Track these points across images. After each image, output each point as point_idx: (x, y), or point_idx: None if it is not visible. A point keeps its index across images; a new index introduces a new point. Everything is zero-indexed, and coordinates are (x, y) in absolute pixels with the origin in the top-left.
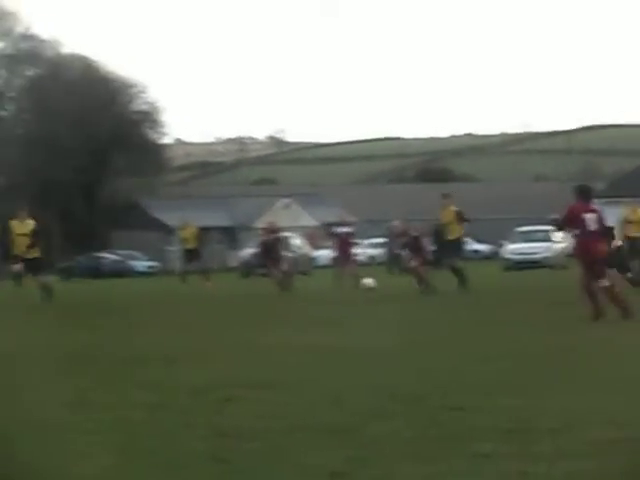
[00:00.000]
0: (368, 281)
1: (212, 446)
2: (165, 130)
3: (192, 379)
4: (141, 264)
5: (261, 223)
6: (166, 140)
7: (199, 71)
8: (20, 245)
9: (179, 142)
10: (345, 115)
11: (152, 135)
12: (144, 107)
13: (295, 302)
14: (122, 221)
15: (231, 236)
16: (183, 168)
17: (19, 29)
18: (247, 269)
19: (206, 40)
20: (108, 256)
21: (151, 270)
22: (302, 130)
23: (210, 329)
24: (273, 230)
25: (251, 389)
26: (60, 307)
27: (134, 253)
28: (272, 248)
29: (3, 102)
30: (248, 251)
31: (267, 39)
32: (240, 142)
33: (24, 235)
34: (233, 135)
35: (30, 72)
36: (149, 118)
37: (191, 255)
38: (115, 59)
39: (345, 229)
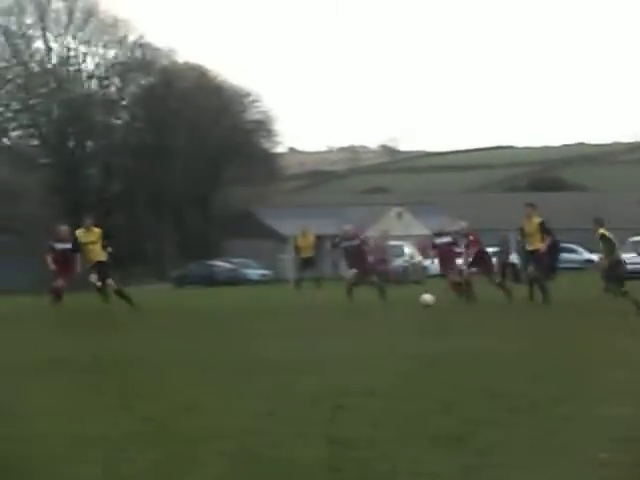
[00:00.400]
0: (427, 297)
1: (325, 454)
2: (278, 139)
3: (304, 387)
4: (254, 272)
5: (372, 231)
6: (279, 149)
7: (313, 80)
8: (88, 254)
9: (292, 151)
10: (457, 124)
11: (265, 144)
12: (258, 116)
13: (406, 310)
14: (235, 229)
15: None
16: (296, 177)
17: (132, 37)
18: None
19: (320, 49)
20: (221, 264)
21: (264, 278)
22: (414, 139)
23: (322, 337)
24: (353, 236)
25: (363, 397)
26: (174, 314)
27: (247, 261)
28: (355, 255)
29: (116, 110)
30: None
31: (380, 49)
32: (353, 151)
33: (91, 243)
34: (346, 144)
35: (143, 81)
36: (263, 127)
37: (306, 263)
38: (229, 68)
39: (445, 239)
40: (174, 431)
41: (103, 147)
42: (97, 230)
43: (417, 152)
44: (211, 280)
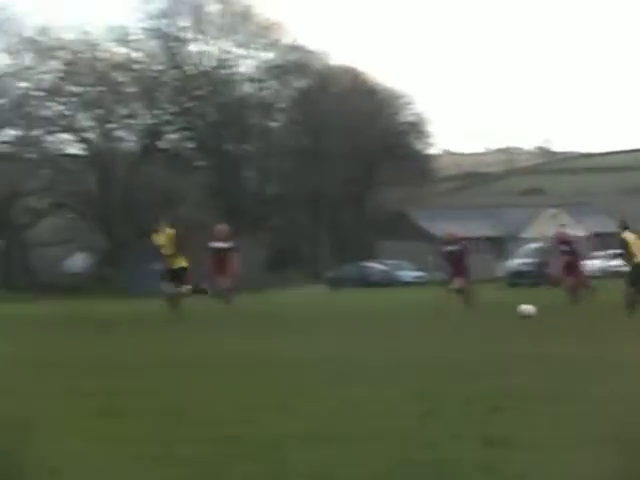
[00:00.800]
0: (527, 308)
1: (480, 456)
2: (432, 141)
3: (459, 388)
4: (407, 274)
5: (530, 233)
6: (433, 150)
7: (468, 82)
8: (164, 257)
9: (447, 152)
10: (614, 124)
11: (419, 146)
12: (411, 118)
13: (551, 312)
14: (389, 231)
15: (499, 246)
16: (451, 178)
17: (286, 40)
18: (514, 279)
19: (474, 52)
20: (375, 266)
21: (418, 280)
22: (570, 140)
23: (476, 339)
24: (455, 240)
25: (521, 399)
26: (330, 315)
27: (402, 263)
28: (456, 260)
29: (273, 113)
30: (516, 261)
31: (534, 50)
32: (508, 152)
33: (164, 246)
34: (502, 145)
35: (299, 83)
36: (416, 129)
37: None
38: (382, 70)
39: (566, 247)
40: (330, 432)
41: (260, 150)
42: (169, 232)
43: (572, 153)
44: (365, 281)
